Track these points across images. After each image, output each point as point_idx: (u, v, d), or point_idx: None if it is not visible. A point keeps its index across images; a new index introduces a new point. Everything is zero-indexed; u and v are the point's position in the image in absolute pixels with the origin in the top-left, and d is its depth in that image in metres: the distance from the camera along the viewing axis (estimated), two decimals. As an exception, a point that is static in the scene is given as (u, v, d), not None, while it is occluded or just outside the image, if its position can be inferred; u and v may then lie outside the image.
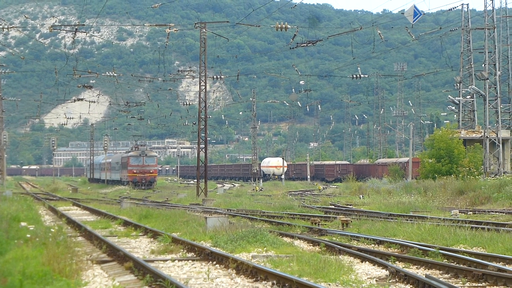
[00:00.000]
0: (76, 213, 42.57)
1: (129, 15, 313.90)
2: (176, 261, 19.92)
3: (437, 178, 58.10)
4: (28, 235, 22.41)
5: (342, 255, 20.76)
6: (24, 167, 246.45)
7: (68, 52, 65.81)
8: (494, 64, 67.40)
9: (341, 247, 21.71)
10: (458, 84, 74.62)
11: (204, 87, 62.16)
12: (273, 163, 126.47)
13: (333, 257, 19.39)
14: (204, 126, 62.88)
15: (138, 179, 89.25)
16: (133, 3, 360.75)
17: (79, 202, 54.01)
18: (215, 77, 71.70)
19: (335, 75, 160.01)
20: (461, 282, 16.44)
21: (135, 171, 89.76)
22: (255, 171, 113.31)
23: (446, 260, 19.19)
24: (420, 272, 17.76)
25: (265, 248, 21.80)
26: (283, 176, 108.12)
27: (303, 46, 49.64)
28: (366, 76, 71.13)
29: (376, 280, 16.76)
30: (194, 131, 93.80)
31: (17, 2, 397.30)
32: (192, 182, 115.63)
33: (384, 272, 17.72)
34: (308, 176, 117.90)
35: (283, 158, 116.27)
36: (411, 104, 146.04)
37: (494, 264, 17.63)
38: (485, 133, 65.20)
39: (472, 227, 25.80)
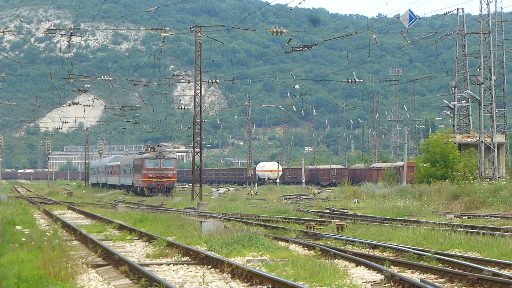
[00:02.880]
0: (71, 217, 42.56)
1: (124, 19, 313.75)
2: (171, 265, 19.93)
3: (432, 183, 58.17)
4: (23, 239, 22.41)
5: (337, 259, 20.77)
6: (19, 171, 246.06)
7: (63, 56, 65.53)
8: (489, 69, 67.48)
9: (336, 251, 21.72)
10: (453, 89, 74.70)
11: (199, 91, 62.15)
12: (268, 167, 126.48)
13: (328, 261, 19.40)
14: (199, 130, 62.89)
15: (154, 184, 77.87)
16: (128, 7, 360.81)
17: (74, 206, 54.02)
18: (210, 81, 71.59)
19: (330, 80, 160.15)
20: (456, 287, 16.46)
21: (150, 175, 78.21)
22: (250, 175, 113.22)
23: (441, 265, 19.21)
24: (415, 277, 17.77)
25: (260, 252, 21.80)
26: (278, 180, 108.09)
27: (298, 50, 49.62)
28: (361, 80, 71.16)
29: (371, 285, 16.79)
30: (189, 135, 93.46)
31: (12, 6, 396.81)
32: (187, 186, 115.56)
33: (379, 277, 17.74)
34: (303, 180, 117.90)
35: (278, 162, 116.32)
36: (406, 109, 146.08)
37: (489, 268, 17.65)
38: (480, 138, 65.28)
39: (467, 232, 25.84)
